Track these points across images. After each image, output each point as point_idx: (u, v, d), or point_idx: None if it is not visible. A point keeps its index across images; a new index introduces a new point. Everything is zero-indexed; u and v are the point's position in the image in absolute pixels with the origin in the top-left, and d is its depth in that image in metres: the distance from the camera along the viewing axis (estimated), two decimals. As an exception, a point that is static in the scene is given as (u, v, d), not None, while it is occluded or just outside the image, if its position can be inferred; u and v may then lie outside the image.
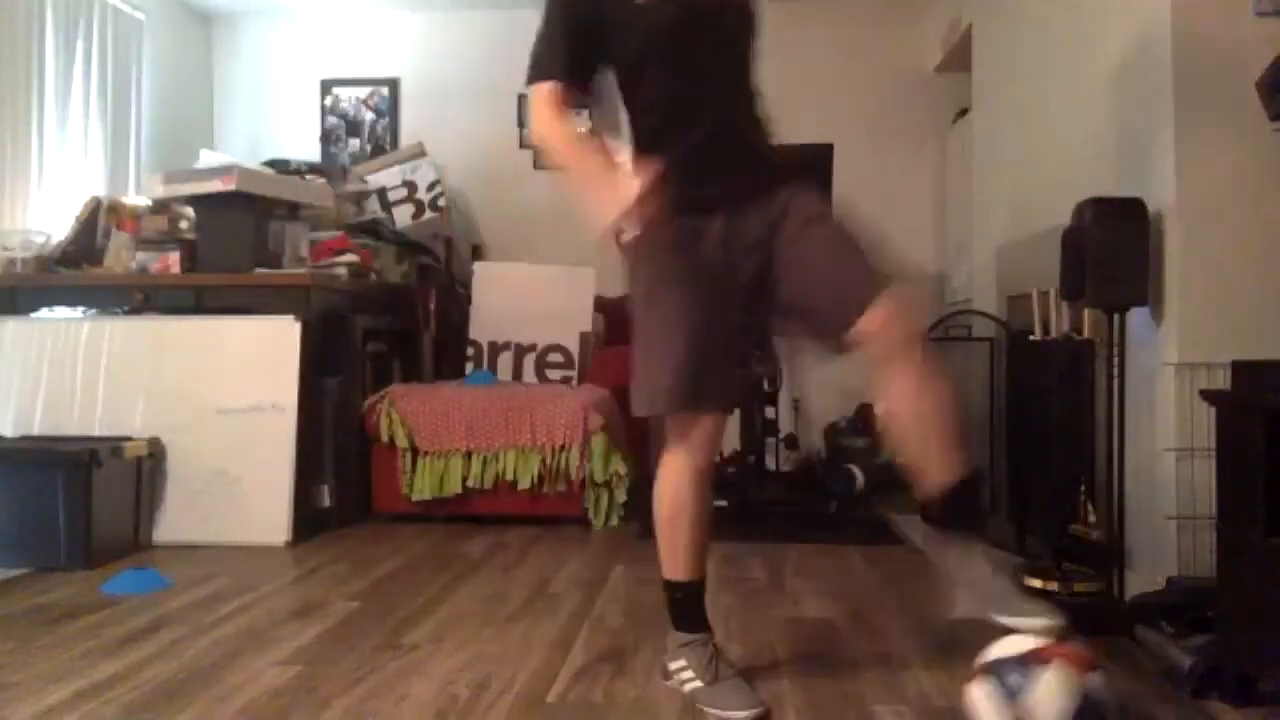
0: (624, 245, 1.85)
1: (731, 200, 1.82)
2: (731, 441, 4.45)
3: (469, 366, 4.28)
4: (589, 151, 1.82)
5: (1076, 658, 1.53)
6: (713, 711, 1.81)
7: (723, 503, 3.86)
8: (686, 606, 1.92)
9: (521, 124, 5.10)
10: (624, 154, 1.85)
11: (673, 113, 1.81)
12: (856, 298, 1.73)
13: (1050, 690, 1.49)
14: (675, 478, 1.87)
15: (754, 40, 1.91)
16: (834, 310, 1.76)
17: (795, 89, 5.01)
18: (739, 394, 1.88)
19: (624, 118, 1.85)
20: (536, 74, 1.84)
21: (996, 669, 1.56)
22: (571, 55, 1.83)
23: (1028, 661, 1.53)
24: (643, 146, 1.82)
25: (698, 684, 1.85)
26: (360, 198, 4.59)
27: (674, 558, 1.90)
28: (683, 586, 1.91)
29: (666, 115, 1.82)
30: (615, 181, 1.71)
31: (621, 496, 3.64)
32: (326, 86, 5.20)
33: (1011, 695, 1.51)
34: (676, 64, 1.81)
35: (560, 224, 4.97)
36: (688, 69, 1.81)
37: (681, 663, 1.89)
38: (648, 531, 3.52)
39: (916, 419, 1.78)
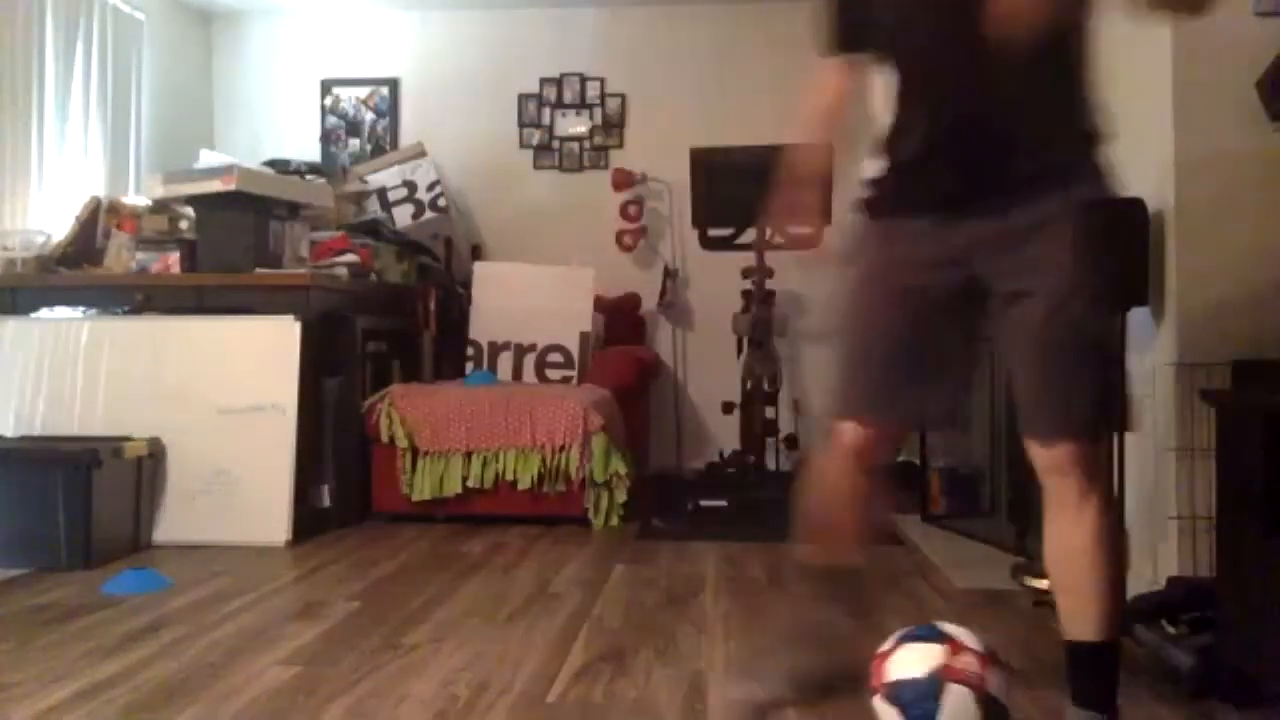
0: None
1: (948, 204, 1.60)
2: (731, 441, 4.45)
3: (469, 366, 4.28)
4: (811, 143, 1.88)
5: (976, 675, 1.55)
6: None
7: (723, 503, 3.87)
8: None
9: (521, 124, 5.10)
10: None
11: (909, 103, 1.67)
12: (1046, 419, 1.54)
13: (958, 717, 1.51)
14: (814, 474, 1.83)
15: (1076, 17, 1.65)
16: (1021, 407, 1.58)
17: (796, 89, 5.01)
18: (920, 410, 1.78)
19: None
20: (819, 52, 1.86)
21: (900, 694, 1.56)
22: (837, 30, 1.86)
23: (931, 683, 1.54)
24: (886, 139, 1.73)
25: None
26: (360, 198, 4.59)
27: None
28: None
29: (904, 105, 1.68)
30: (796, 193, 1.82)
31: (621, 496, 3.64)
32: (326, 86, 5.20)
33: None
34: (917, 43, 1.65)
35: (560, 224, 4.99)
36: (927, 50, 1.63)
37: None
38: (648, 532, 3.53)
39: (1065, 572, 1.64)
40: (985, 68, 1.52)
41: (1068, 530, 1.58)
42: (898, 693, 1.57)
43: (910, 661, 1.58)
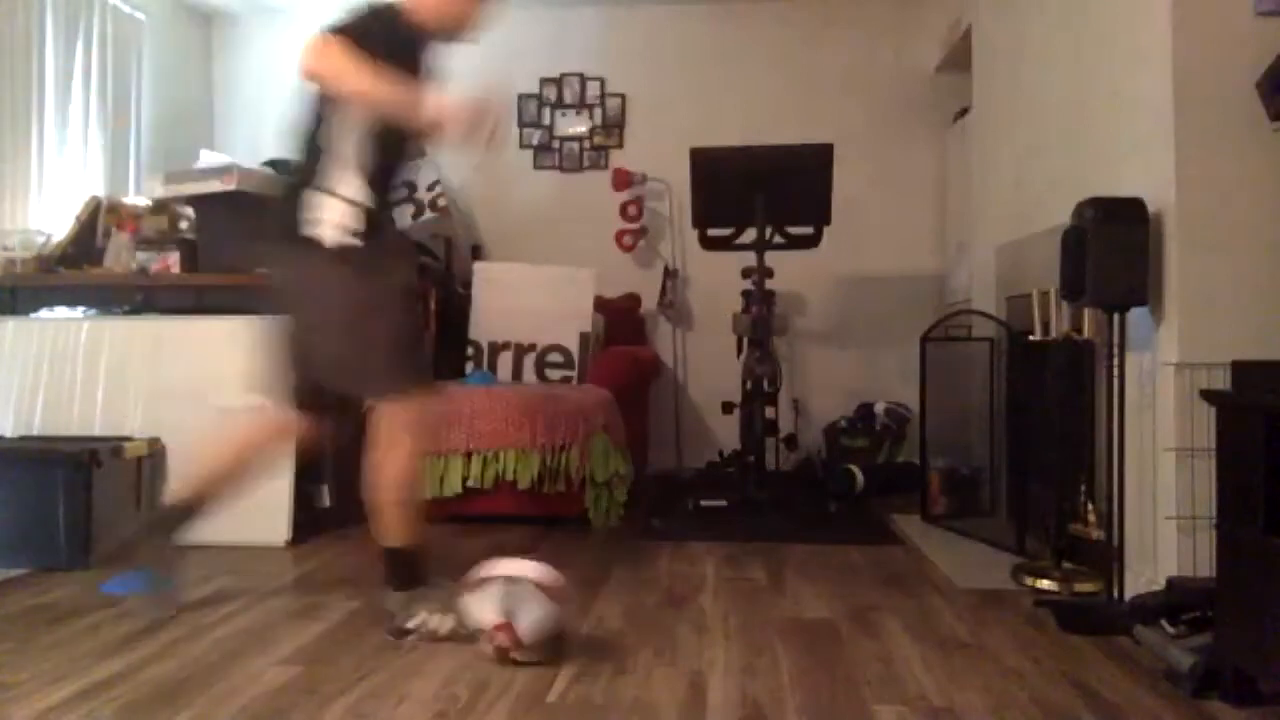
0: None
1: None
2: (731, 441, 4.46)
3: (469, 366, 4.28)
4: (404, 88, 2.18)
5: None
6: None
7: (723, 503, 3.87)
8: (418, 567, 2.34)
9: (521, 124, 5.10)
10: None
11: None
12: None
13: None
14: (412, 457, 2.35)
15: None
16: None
17: (796, 89, 5.02)
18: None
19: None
20: (336, 33, 2.19)
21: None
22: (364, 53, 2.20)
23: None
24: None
25: (450, 619, 2.20)
26: (360, 198, 4.58)
27: (405, 526, 2.30)
28: (413, 550, 2.33)
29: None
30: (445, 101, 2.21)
31: (621, 496, 3.64)
32: (326, 86, 5.19)
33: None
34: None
35: (560, 224, 4.99)
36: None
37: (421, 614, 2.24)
38: (648, 532, 3.52)
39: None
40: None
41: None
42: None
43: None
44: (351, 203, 2.28)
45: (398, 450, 2.28)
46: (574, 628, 2.22)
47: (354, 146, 2.31)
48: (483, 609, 2.06)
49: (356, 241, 2.26)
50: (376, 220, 2.32)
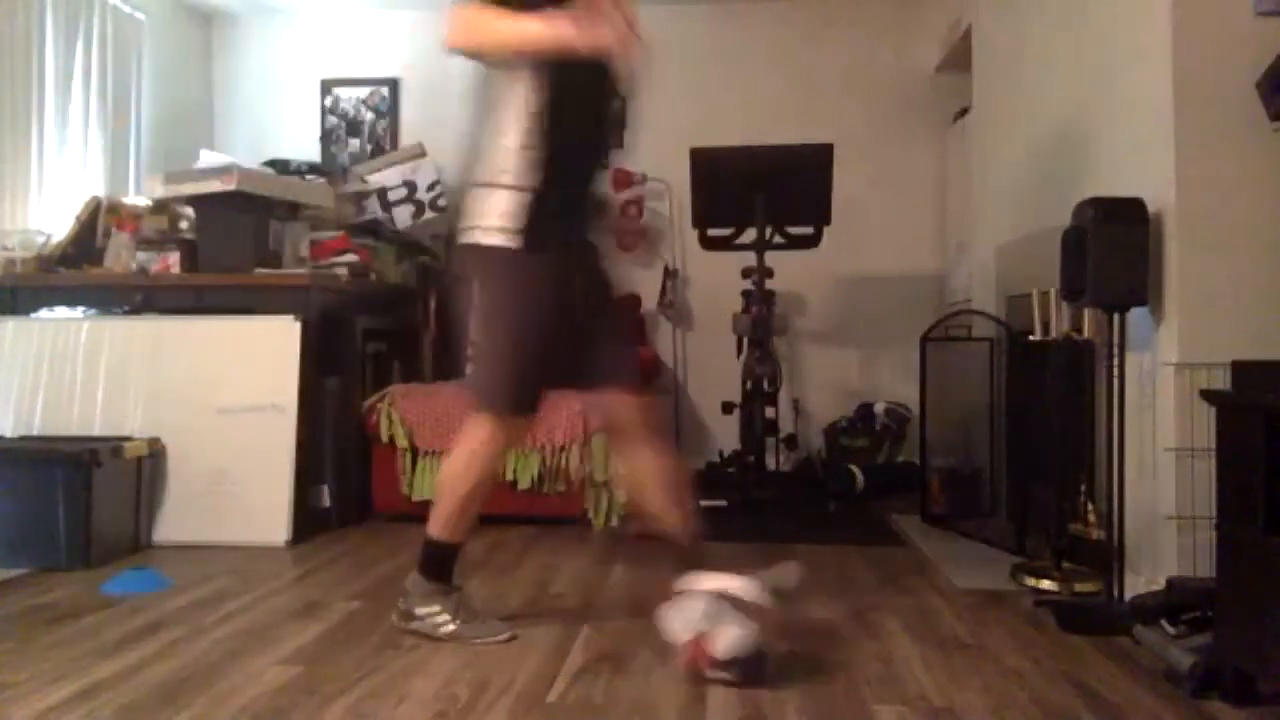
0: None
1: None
2: (731, 441, 4.45)
3: (469, 367, 4.27)
4: (548, 21, 1.96)
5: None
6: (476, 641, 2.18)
7: (723, 503, 3.87)
8: (450, 564, 2.29)
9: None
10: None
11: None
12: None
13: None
14: (486, 458, 2.26)
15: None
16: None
17: (796, 89, 5.02)
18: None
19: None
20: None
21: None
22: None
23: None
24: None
25: (455, 625, 2.21)
26: (360, 198, 4.59)
27: (457, 521, 2.25)
28: (455, 547, 2.28)
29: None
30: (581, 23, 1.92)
31: (622, 496, 3.63)
32: (327, 86, 5.20)
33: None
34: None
35: (560, 224, 4.98)
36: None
37: (437, 607, 2.22)
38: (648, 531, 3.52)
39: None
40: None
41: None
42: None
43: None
44: (513, 189, 2.08)
45: (472, 452, 2.21)
46: (774, 648, 2.01)
47: (518, 123, 2.07)
48: (678, 623, 1.98)
49: (510, 243, 2.08)
50: (548, 213, 2.09)
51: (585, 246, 2.27)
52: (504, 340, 2.15)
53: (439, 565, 2.27)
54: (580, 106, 2.12)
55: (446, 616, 2.22)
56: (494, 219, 2.10)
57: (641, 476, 2.32)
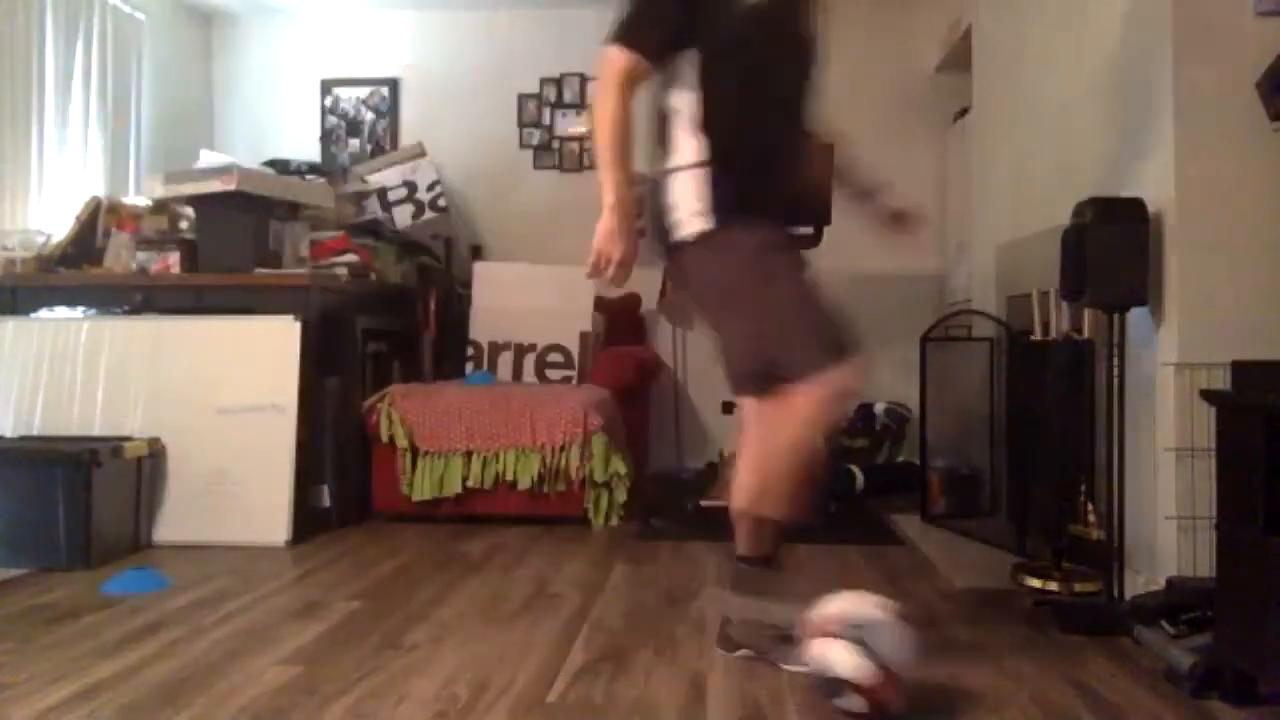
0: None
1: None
2: (731, 441, 4.45)
3: (469, 366, 4.28)
4: (618, 154, 1.87)
5: None
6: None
7: (723, 503, 3.86)
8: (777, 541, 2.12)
9: (521, 124, 5.10)
10: (683, 147, 1.97)
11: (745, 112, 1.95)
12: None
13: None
14: (807, 424, 1.99)
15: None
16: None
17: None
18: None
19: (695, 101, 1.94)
20: (628, 40, 1.88)
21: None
22: (666, 38, 1.90)
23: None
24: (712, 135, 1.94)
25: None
26: (360, 198, 4.59)
27: (779, 498, 2.04)
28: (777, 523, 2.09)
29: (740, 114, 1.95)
30: (616, 229, 1.88)
31: (621, 496, 3.64)
32: (327, 86, 5.20)
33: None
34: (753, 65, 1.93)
35: (560, 224, 4.99)
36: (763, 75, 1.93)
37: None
38: (648, 532, 3.52)
39: None
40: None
41: None
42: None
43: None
44: (696, 165, 1.94)
45: (793, 422, 1.95)
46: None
47: (692, 94, 1.92)
48: (848, 658, 1.74)
49: (707, 224, 1.93)
50: (737, 181, 1.93)
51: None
52: (770, 309, 1.94)
53: (773, 546, 2.12)
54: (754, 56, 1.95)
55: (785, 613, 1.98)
56: (690, 204, 1.95)
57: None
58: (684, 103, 1.95)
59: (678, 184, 1.97)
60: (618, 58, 1.90)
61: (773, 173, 2.01)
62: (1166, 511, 2.31)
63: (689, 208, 1.94)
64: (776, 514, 2.05)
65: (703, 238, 1.95)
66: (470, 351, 4.31)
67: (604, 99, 1.89)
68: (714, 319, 2.03)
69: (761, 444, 2.06)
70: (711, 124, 1.93)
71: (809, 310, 1.95)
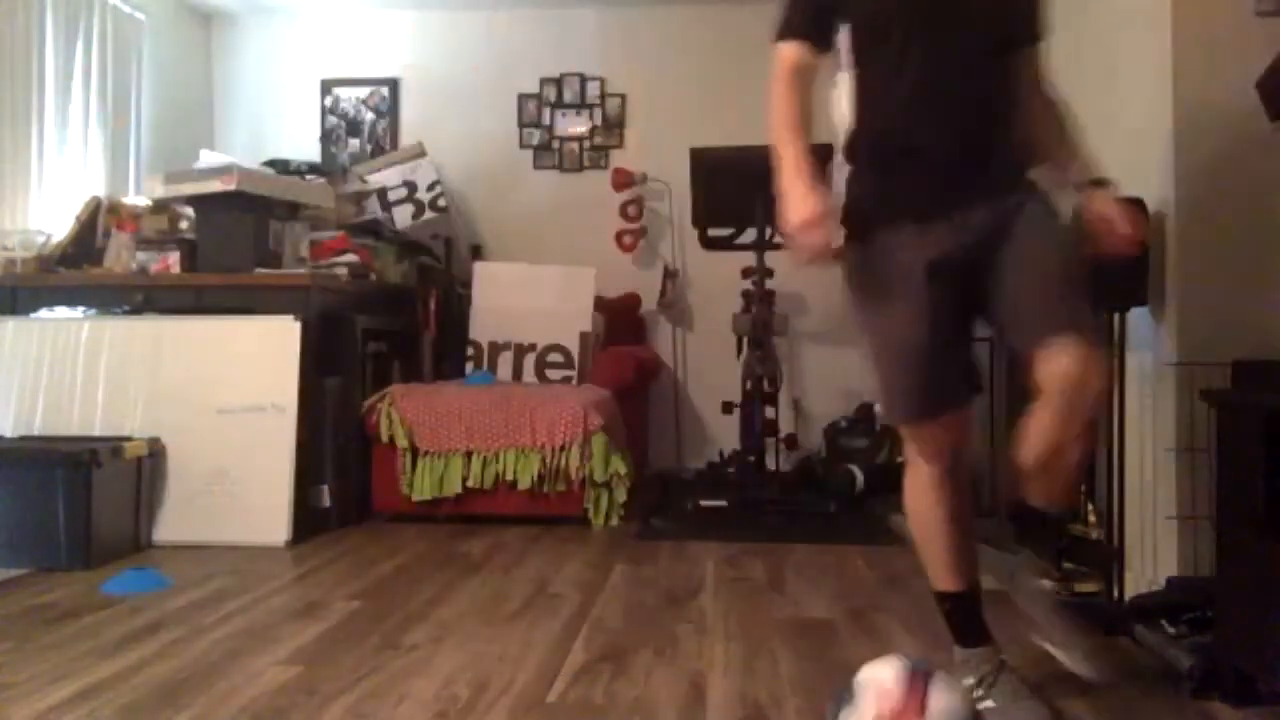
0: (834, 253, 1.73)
1: (958, 202, 1.69)
2: (731, 441, 4.45)
3: (469, 366, 4.28)
4: (795, 148, 1.70)
5: None
6: None
7: (722, 503, 3.87)
8: (955, 618, 1.89)
9: (521, 124, 5.10)
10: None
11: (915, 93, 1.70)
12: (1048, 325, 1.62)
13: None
14: (912, 487, 1.86)
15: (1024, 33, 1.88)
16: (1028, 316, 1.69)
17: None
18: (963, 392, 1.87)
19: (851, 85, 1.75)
20: (779, 30, 1.78)
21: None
22: (810, 12, 1.76)
23: None
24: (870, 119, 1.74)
25: (988, 703, 1.76)
26: (360, 198, 4.59)
27: (931, 568, 1.89)
28: (948, 598, 1.88)
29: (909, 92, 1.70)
30: (796, 192, 1.65)
31: (621, 496, 3.64)
32: (327, 86, 5.20)
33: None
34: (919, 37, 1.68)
35: (560, 224, 4.99)
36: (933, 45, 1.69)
37: (970, 680, 1.81)
38: (648, 532, 3.52)
39: (1041, 454, 1.70)
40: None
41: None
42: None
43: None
44: (845, 159, 1.79)
45: (906, 487, 1.88)
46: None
47: (846, 74, 1.77)
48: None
49: (838, 238, 1.76)
50: (877, 178, 1.76)
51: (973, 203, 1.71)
52: (870, 346, 1.82)
53: (949, 622, 1.92)
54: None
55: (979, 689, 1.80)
56: (838, 209, 1.78)
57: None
58: (842, 84, 1.77)
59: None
60: (777, 51, 1.77)
61: (932, 164, 1.72)
62: (1166, 511, 2.30)
63: (837, 214, 1.77)
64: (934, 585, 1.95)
65: (839, 255, 1.79)
66: (470, 351, 4.31)
67: (771, 93, 1.76)
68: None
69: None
70: (860, 107, 1.75)
71: (898, 358, 1.77)
